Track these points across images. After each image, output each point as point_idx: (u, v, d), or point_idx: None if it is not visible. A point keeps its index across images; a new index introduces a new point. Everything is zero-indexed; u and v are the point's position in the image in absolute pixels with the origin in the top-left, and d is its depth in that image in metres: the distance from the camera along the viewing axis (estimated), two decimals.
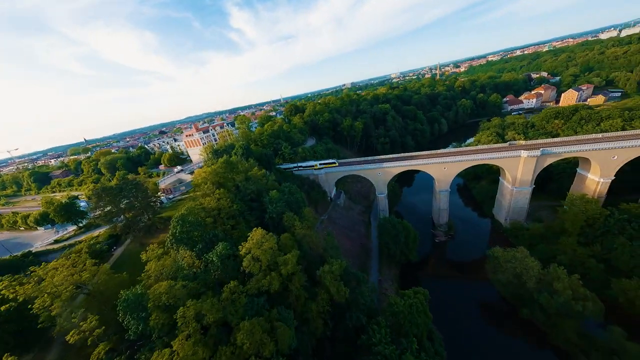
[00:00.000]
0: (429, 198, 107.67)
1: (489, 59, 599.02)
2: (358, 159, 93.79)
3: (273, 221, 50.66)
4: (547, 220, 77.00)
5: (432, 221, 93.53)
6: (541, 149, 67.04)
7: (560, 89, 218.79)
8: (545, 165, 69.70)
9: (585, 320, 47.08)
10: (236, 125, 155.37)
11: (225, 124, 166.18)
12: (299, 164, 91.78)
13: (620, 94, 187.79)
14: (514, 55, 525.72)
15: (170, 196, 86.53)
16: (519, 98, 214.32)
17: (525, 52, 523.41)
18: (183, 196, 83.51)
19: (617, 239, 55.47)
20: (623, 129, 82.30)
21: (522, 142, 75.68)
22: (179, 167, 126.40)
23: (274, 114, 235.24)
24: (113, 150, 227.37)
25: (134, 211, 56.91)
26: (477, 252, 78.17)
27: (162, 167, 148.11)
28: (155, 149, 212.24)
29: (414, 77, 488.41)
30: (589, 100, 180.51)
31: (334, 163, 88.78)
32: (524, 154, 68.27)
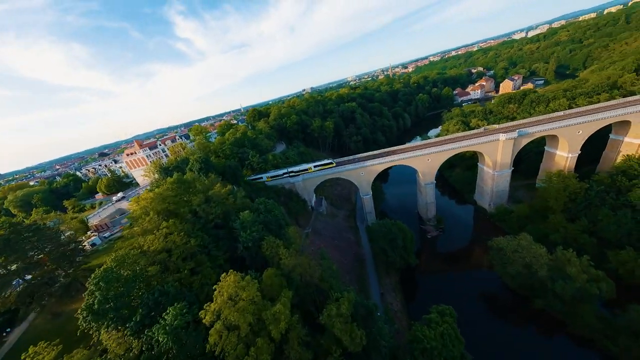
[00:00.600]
0: (411, 192, 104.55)
1: (431, 59, 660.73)
2: (341, 159, 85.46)
3: (249, 252, 38.45)
4: (525, 199, 78.62)
5: (419, 216, 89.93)
6: (517, 130, 67.27)
7: (496, 80, 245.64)
8: (521, 147, 70.41)
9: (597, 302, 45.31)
10: (192, 138, 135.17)
11: (177, 137, 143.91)
12: (290, 169, 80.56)
13: (543, 81, 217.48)
14: (451, 55, 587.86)
15: (107, 234, 66.32)
16: (466, 90, 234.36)
17: (460, 52, 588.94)
18: (125, 232, 64.41)
19: (601, 210, 56.53)
20: (570, 107, 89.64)
21: (496, 126, 76.28)
22: (120, 194, 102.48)
23: (235, 122, 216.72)
24: (32, 183, 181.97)
25: (38, 269, 38.79)
26: (466, 241, 75.96)
27: (99, 196, 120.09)
28: (90, 174, 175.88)
29: (369, 79, 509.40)
30: (521, 87, 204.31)
31: (331, 163, 79.04)
32: (502, 137, 67.79)
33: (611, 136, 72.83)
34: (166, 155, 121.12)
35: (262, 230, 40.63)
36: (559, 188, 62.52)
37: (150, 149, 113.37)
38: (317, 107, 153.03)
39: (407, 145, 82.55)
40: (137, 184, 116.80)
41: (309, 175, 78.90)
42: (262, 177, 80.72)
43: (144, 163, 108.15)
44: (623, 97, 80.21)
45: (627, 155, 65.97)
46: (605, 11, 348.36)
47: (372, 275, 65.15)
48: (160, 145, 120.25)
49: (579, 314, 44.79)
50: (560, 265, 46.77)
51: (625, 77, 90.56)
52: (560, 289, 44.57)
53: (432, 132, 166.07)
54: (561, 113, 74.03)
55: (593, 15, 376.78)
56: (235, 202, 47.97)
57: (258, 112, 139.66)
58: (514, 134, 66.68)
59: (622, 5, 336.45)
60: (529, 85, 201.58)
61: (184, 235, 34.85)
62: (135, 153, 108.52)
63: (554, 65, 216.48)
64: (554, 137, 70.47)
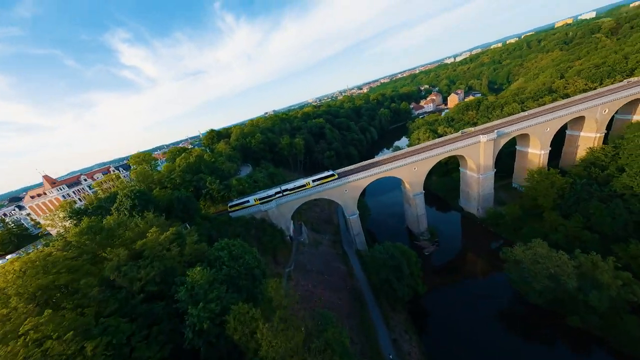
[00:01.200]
0: (395, 203, 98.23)
1: (382, 81, 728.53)
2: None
3: (204, 338, 23.08)
4: (508, 200, 77.62)
5: (409, 230, 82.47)
6: (495, 130, 66.22)
7: (442, 95, 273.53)
8: (500, 147, 69.54)
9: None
10: (132, 168, 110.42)
11: (113, 169, 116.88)
12: (283, 187, 66.65)
13: (480, 94, 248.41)
14: (398, 77, 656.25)
15: None
16: (420, 104, 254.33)
17: (405, 75, 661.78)
18: None
19: (591, 204, 55.45)
20: (522, 110, 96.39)
21: (472, 129, 75.50)
22: (21, 252, 73.24)
23: (191, 146, 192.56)
24: None
25: None
26: (463, 251, 70.03)
27: None
28: None
29: (329, 100, 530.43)
30: (465, 99, 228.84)
31: (333, 175, 67.58)
32: (483, 138, 65.85)
33: (567, 132, 77.58)
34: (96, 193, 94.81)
35: (226, 293, 25.88)
36: (546, 185, 61.15)
37: (70, 186, 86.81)
38: (284, 125, 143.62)
39: (391, 154, 76.56)
40: (50, 235, 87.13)
41: (286, 199, 65.75)
42: (248, 201, 65.64)
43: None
44: (563, 98, 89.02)
45: (590, 148, 69.55)
46: (507, 42, 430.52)
47: (375, 315, 52.56)
48: (85, 180, 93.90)
49: (619, 326, 38.94)
50: (586, 271, 41.41)
51: (557, 83, 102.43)
52: (596, 300, 38.53)
53: (401, 143, 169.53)
54: (525, 113, 77.04)
55: (499, 45, 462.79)
56: (182, 252, 32.16)
57: (217, 134, 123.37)
58: (494, 135, 65.30)
59: (517, 38, 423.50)
60: (471, 98, 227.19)
61: (74, 337, 18.43)
62: (45, 194, 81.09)
63: (486, 81, 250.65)
64: (525, 136, 71.65)
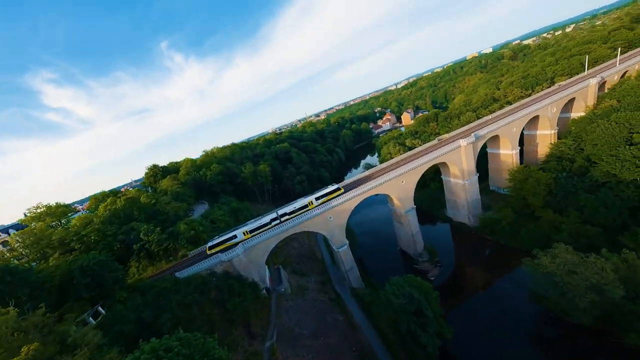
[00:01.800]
0: (382, 225, 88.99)
1: (336, 108, 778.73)
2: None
3: None
4: (491, 203, 75.42)
5: (403, 253, 72.67)
6: (473, 133, 64.41)
7: (395, 115, 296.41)
8: (479, 150, 67.79)
9: None
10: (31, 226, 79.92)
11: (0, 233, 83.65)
12: (280, 212, 53.45)
13: (427, 111, 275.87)
14: (352, 104, 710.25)
15: None
16: (378, 124, 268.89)
17: (357, 101, 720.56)
18: None
19: (580, 196, 54.16)
20: (478, 117, 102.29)
21: (447, 136, 73.62)
22: None
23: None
24: None
25: None
26: (467, 267, 62.45)
27: None
28: None
29: (290, 128, 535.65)
30: (417, 116, 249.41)
31: (339, 190, 57.40)
32: (463, 142, 63.04)
33: (525, 132, 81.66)
34: None
35: None
36: (532, 183, 59.22)
37: None
38: (245, 153, 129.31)
39: (372, 170, 68.70)
40: None
41: (256, 240, 50.22)
42: (235, 236, 50.53)
43: None
44: (509, 104, 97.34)
45: (551, 143, 72.84)
46: (435, 70, 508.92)
47: None
48: None
49: None
50: (626, 273, 35.67)
51: (497, 93, 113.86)
52: None
53: (371, 160, 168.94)
54: (490, 117, 79.34)
55: (429, 74, 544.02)
56: None
57: (162, 170, 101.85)
58: (472, 138, 63.15)
59: (440, 68, 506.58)
60: (421, 115, 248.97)
61: None
62: None
63: (429, 100, 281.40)
64: (496, 138, 72.12)
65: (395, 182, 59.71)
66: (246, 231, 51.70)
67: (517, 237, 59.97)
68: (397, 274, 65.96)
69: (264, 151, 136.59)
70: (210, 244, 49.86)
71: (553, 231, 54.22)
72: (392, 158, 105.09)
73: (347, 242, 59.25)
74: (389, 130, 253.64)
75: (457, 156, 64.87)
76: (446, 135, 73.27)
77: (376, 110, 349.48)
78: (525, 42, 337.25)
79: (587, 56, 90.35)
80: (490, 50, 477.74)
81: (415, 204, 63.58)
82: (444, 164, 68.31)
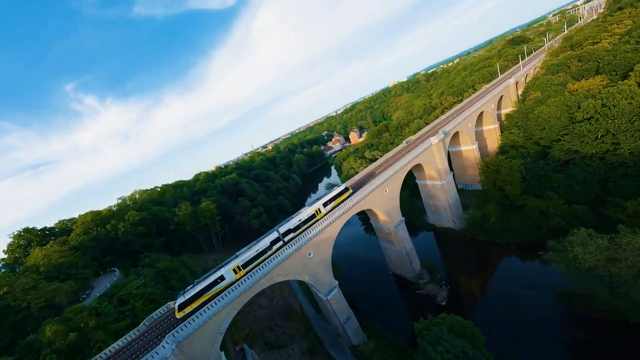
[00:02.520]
0: (362, 249, 76.47)
1: (283, 138, 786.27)
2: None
3: None
4: (468, 201, 72.76)
5: (397, 278, 60.58)
6: (440, 130, 61.24)
7: (343, 135, 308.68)
8: (447, 148, 65.01)
9: None
10: None
11: None
12: (282, 230, 39.63)
13: (370, 129, 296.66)
14: (297, 132, 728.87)
15: None
16: (329, 145, 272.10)
17: (302, 128, 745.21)
18: None
19: (550, 178, 53.99)
20: (426, 123, 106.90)
21: (413, 137, 69.70)
22: None
23: None
24: None
25: None
26: (461, 274, 54.49)
27: None
28: None
29: (237, 162, 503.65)
30: (362, 135, 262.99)
31: (347, 190, 46.03)
32: (434, 140, 58.81)
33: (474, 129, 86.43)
34: None
35: None
36: (506, 172, 57.56)
37: None
38: (179, 191, 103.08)
39: (351, 182, 57.06)
40: None
41: (197, 322, 29.90)
42: (220, 278, 33.47)
43: None
44: (448, 109, 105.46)
45: (498, 136, 76.98)
46: (367, 97, 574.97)
47: None
48: None
49: None
50: None
51: (434, 102, 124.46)
52: None
53: (332, 180, 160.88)
54: (444, 117, 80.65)
55: (364, 99, 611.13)
56: None
57: (39, 235, 67.59)
58: (441, 135, 59.69)
59: (370, 95, 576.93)
60: (365, 135, 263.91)
61: None
62: None
63: (370, 119, 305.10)
64: (456, 135, 71.89)
65: (378, 192, 49.27)
66: (238, 266, 34.23)
67: (509, 231, 55.73)
68: (399, 308, 53.26)
69: (206, 186, 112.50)
70: (180, 301, 31.24)
71: (542, 218, 51.38)
72: (356, 172, 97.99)
73: (337, 283, 43.72)
74: (339, 150, 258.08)
75: (430, 156, 59.98)
76: (412, 137, 69.66)
77: (324, 134, 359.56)
78: (430, 70, 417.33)
79: (497, 64, 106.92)
80: (406, 79, 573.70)
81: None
82: (418, 166, 62.62)
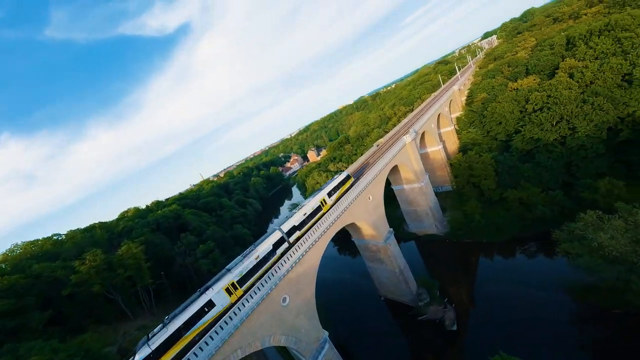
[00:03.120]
0: (341, 275, 64.54)
1: (236, 165, 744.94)
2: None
3: None
4: (446, 203, 69.72)
5: (390, 304, 49.96)
6: (411, 129, 57.22)
7: (300, 155, 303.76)
8: (419, 147, 61.38)
9: None
10: None
11: None
12: (285, 229, 30.05)
13: (326, 147, 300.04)
14: (252, 157, 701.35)
15: None
16: (287, 166, 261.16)
17: (257, 153, 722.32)
18: None
19: (519, 168, 53.87)
20: (385, 132, 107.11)
21: (383, 140, 64.45)
22: None
23: None
24: None
25: None
26: (468, 285, 47.82)
27: None
28: None
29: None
30: (321, 153, 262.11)
31: (349, 179, 38.65)
32: (407, 138, 54.05)
33: None
34: None
35: None
36: (480, 167, 55.82)
37: None
38: (90, 237, 75.13)
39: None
40: None
41: None
42: (208, 305, 21.72)
43: None
44: (404, 117, 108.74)
45: (457, 136, 79.04)
46: (323, 116, 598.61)
47: None
48: None
49: None
50: None
51: (389, 112, 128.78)
52: None
53: (295, 199, 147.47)
54: (406, 120, 79.46)
55: (318, 119, 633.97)
56: None
57: None
58: (412, 134, 55.55)
59: (326, 115, 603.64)
60: (324, 152, 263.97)
61: None
62: None
63: (326, 138, 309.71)
64: (422, 137, 70.17)
65: (361, 201, 39.72)
66: (232, 283, 23.70)
67: (493, 228, 52.27)
68: (403, 346, 41.97)
69: (132, 225, 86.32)
70: (142, 355, 17.77)
71: (523, 209, 49.31)
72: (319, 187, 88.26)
73: (326, 334, 30.42)
74: (298, 169, 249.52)
75: (405, 156, 54.70)
76: (382, 140, 64.60)
77: (281, 156, 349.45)
78: (374, 93, 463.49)
79: (439, 76, 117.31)
80: (352, 101, 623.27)
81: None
82: (394, 170, 56.52)
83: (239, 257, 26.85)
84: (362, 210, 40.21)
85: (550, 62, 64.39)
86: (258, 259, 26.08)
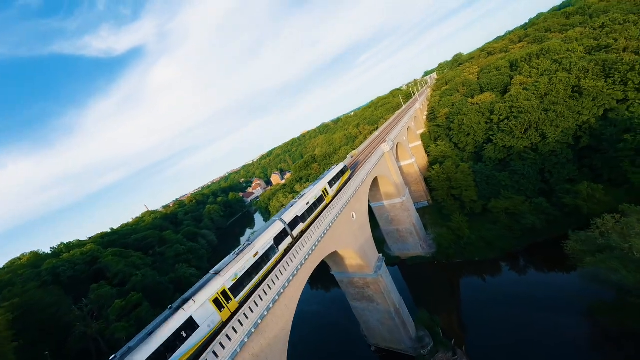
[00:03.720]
0: (315, 321, 50.72)
1: (191, 194, 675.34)
2: None
3: None
4: (426, 219, 64.12)
5: (381, 354, 38.14)
6: (387, 137, 51.54)
7: (264, 180, 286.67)
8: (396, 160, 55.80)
9: None
10: None
11: None
12: (286, 218, 23.88)
13: (291, 171, 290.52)
14: (210, 184, 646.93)
15: None
16: (249, 191, 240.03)
17: (217, 180, 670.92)
18: None
19: (496, 178, 51.69)
20: (353, 148, 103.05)
21: (356, 152, 57.20)
22: None
23: None
24: None
25: None
26: (473, 317, 39.84)
27: None
28: None
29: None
30: (285, 176, 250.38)
31: (346, 171, 35.35)
32: (385, 147, 47.79)
33: None
34: None
35: None
36: (461, 177, 52.12)
37: None
38: None
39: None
40: None
41: None
42: (189, 324, 14.62)
43: None
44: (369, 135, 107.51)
45: (426, 150, 77.87)
46: (286, 141, 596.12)
47: None
48: None
49: None
50: None
51: (354, 132, 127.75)
52: None
53: (257, 226, 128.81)
54: (380, 130, 75.50)
55: (282, 144, 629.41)
56: None
57: None
58: (390, 143, 49.80)
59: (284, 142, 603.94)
60: (288, 175, 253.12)
61: None
62: None
63: (291, 161, 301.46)
64: (395, 149, 66.06)
65: (344, 221, 29.60)
66: (224, 290, 16.77)
67: (486, 244, 46.89)
68: None
69: (11, 279, 58.96)
70: None
71: (511, 220, 45.48)
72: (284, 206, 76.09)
73: None
74: (260, 194, 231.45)
75: (385, 167, 47.93)
76: (355, 152, 57.47)
77: (242, 181, 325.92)
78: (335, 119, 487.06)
79: (400, 96, 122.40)
80: (315, 127, 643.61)
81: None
82: (372, 185, 48.87)
83: (229, 255, 19.83)
84: (345, 232, 29.86)
85: (501, 80, 69.30)
86: (257, 257, 19.33)
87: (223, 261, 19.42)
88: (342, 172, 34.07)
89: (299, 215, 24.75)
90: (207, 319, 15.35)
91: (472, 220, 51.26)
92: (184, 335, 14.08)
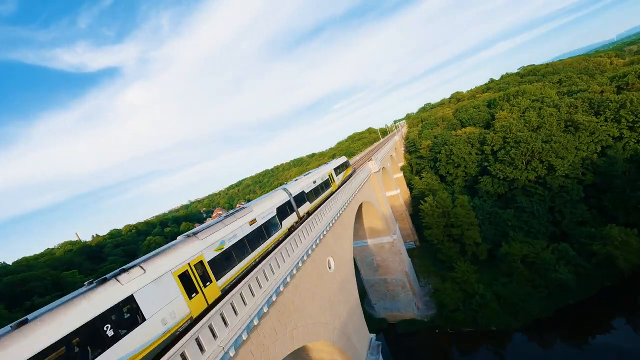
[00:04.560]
0: None
1: (148, 220, 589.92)
2: None
3: None
4: (419, 265, 50.99)
5: None
6: (373, 156, 40.63)
7: (228, 210, 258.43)
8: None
9: None
10: None
11: None
12: (292, 190, 18.35)
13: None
14: (169, 212, 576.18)
15: None
16: (208, 222, 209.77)
17: (177, 207, 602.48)
18: None
19: (500, 216, 42.70)
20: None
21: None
22: None
23: None
24: None
25: None
26: None
27: None
28: None
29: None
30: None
31: (348, 166, 32.20)
32: (372, 167, 36.60)
33: None
34: None
35: None
36: (461, 211, 41.84)
37: None
38: None
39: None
40: None
41: None
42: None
43: None
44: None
45: (411, 185, 69.63)
46: (259, 172, 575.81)
47: None
48: None
49: None
50: None
51: (326, 160, 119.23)
52: None
53: None
54: (358, 157, 65.44)
55: (254, 174, 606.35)
56: None
57: None
58: (378, 162, 38.93)
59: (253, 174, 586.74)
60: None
61: None
62: None
63: (261, 193, 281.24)
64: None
65: (313, 273, 14.86)
66: (201, 261, 9.61)
67: (506, 307, 34.14)
68: None
69: None
70: None
71: (532, 272, 34.61)
72: None
73: None
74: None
75: (372, 193, 35.89)
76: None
77: (202, 210, 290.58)
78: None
79: (379, 130, 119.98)
80: (289, 160, 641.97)
81: None
82: (359, 215, 35.81)
83: (214, 219, 13.33)
84: (315, 297, 14.92)
85: (481, 117, 67.61)
86: (254, 225, 13.39)
87: (204, 224, 12.70)
88: (345, 165, 29.92)
89: (306, 192, 19.62)
90: (165, 308, 8.07)
91: (478, 270, 39.51)
92: (110, 334, 6.61)
